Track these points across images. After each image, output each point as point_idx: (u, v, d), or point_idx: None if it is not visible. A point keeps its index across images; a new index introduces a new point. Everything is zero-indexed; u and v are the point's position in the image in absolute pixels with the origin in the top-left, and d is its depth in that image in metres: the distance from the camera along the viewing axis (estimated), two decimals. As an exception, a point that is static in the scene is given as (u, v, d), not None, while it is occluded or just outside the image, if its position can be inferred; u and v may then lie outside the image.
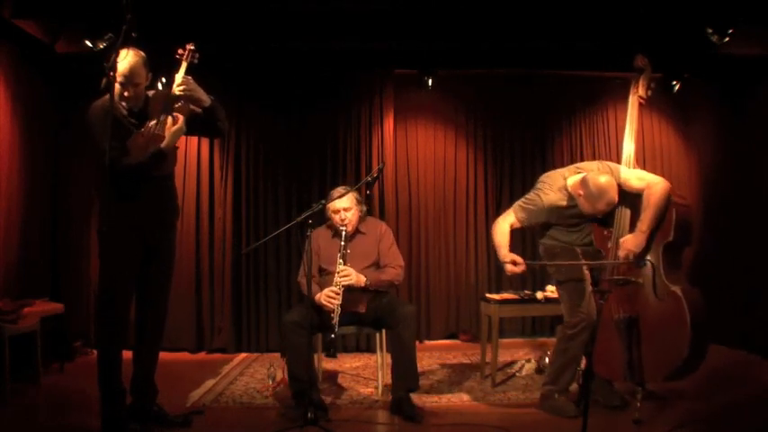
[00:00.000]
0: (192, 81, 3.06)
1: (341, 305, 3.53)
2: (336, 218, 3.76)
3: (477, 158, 5.86)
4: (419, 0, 4.49)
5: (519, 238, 5.41)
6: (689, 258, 4.25)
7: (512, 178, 5.82)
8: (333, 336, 3.46)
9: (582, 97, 5.85)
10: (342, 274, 3.60)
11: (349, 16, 4.54)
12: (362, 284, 3.66)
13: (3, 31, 4.31)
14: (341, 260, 3.63)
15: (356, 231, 3.85)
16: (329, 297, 3.56)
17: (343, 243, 3.68)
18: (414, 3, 4.48)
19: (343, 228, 3.72)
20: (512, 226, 3.58)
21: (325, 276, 3.77)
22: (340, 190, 3.75)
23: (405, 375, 3.51)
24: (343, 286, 3.57)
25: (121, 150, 2.93)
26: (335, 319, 3.49)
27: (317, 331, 3.73)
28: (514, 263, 3.46)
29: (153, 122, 3.02)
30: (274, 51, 5.19)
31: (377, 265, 3.84)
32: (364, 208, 3.90)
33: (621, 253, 3.26)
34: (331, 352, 3.47)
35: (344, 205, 3.74)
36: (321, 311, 3.63)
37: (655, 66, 3.74)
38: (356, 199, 3.81)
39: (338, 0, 4.45)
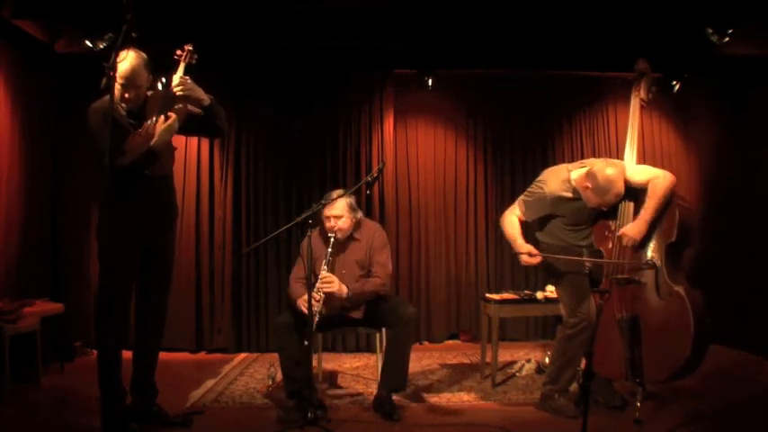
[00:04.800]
0: (189, 81, 3.06)
1: (320, 312, 3.47)
2: (327, 224, 3.73)
3: (477, 158, 5.86)
4: (419, 0, 4.49)
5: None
6: (689, 258, 4.25)
7: (512, 178, 5.82)
8: (306, 343, 3.30)
9: (582, 97, 5.85)
10: (324, 280, 3.55)
11: (349, 16, 4.54)
12: (344, 295, 3.59)
13: (3, 31, 4.32)
14: (325, 266, 3.59)
15: (350, 238, 3.80)
16: (306, 303, 3.39)
17: (329, 250, 3.62)
18: (414, 3, 4.48)
19: (332, 235, 3.67)
20: (519, 219, 3.62)
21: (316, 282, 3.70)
22: (334, 194, 3.67)
23: (392, 375, 3.54)
24: (323, 293, 3.52)
25: (119, 151, 2.93)
26: (312, 325, 3.38)
27: (316, 331, 3.71)
28: (530, 254, 3.47)
29: (149, 122, 3.02)
30: (274, 51, 5.19)
31: (369, 272, 3.79)
32: (359, 215, 3.82)
33: (624, 241, 3.27)
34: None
35: (336, 213, 3.69)
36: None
37: (655, 66, 3.75)
38: (349, 206, 3.74)
39: (338, 0, 4.45)
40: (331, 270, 3.64)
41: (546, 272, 3.68)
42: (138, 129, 3.01)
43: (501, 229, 3.70)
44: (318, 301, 3.48)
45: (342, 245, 3.76)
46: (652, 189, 3.27)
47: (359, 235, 3.82)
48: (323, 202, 3.60)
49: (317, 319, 3.42)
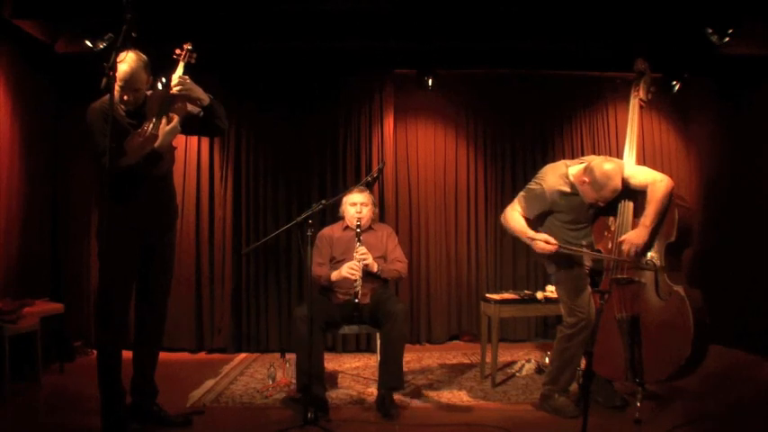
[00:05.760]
0: (188, 80, 3.06)
1: (362, 278, 3.78)
2: (353, 210, 4.01)
3: (477, 158, 5.86)
4: (419, 0, 4.49)
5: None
6: (689, 258, 4.25)
7: (512, 178, 5.81)
8: (357, 300, 3.73)
9: (582, 97, 5.84)
10: (361, 252, 3.83)
11: (349, 16, 4.54)
12: (375, 270, 3.87)
13: (3, 31, 4.32)
14: (359, 244, 3.87)
15: (369, 228, 4.08)
16: (352, 269, 3.79)
17: (358, 231, 3.92)
18: (413, 3, 4.48)
19: (358, 222, 3.94)
20: (520, 215, 3.59)
21: (338, 265, 3.95)
22: (359, 187, 4.10)
23: (388, 374, 3.58)
24: (362, 262, 3.81)
25: (118, 151, 2.93)
26: (358, 288, 3.74)
27: (325, 327, 3.79)
28: (547, 241, 3.40)
29: (149, 123, 3.02)
30: (274, 51, 5.19)
31: (385, 258, 4.04)
32: (377, 210, 4.21)
33: (625, 247, 3.26)
34: (356, 316, 3.80)
35: (362, 200, 4.03)
36: (329, 307, 3.83)
37: (654, 66, 3.75)
38: (371, 199, 4.12)
39: (338, 0, 4.45)
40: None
41: (549, 265, 3.65)
42: (137, 129, 3.02)
43: (504, 226, 3.65)
44: (358, 271, 3.77)
45: (362, 233, 4.00)
46: (651, 193, 3.26)
47: (376, 227, 4.18)
48: (344, 194, 4.08)
49: (358, 288, 3.74)
